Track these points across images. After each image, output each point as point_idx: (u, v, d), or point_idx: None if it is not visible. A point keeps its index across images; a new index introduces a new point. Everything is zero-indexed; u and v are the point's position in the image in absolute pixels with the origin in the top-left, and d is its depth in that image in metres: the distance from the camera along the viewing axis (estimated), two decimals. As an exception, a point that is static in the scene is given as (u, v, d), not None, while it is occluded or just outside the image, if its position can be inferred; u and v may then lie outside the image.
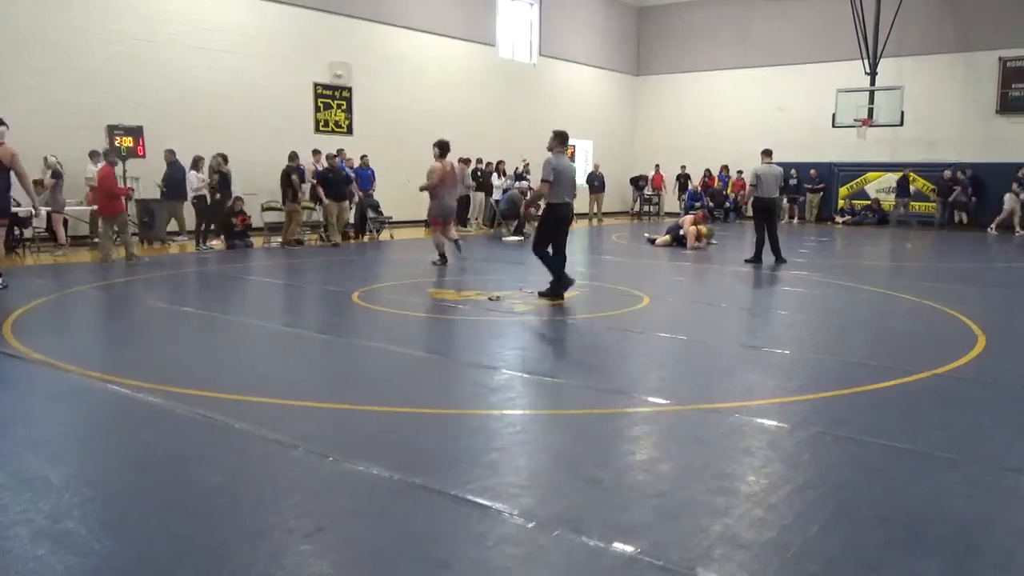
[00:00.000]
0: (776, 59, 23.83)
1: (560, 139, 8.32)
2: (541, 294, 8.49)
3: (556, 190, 8.15)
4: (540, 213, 8.32)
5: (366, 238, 15.78)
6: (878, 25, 20.59)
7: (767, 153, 12.53)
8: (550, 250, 8.40)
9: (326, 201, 14.61)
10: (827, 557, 2.84)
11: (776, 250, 12.26)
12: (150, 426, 4.29)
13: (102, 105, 13.66)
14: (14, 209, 11.82)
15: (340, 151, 16.07)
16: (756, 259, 12.21)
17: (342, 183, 14.77)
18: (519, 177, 19.71)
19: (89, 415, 4.56)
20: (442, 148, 11.26)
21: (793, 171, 22.92)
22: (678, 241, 14.70)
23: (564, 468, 3.69)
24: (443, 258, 11.53)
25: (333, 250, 13.89)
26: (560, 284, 8.40)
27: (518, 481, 3.54)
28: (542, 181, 8.17)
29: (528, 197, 8.12)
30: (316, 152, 15.62)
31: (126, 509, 3.23)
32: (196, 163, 13.62)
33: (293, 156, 14.53)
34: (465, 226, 18.75)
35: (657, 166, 24.95)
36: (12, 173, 8.87)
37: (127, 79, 14.11)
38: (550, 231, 8.39)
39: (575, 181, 8.49)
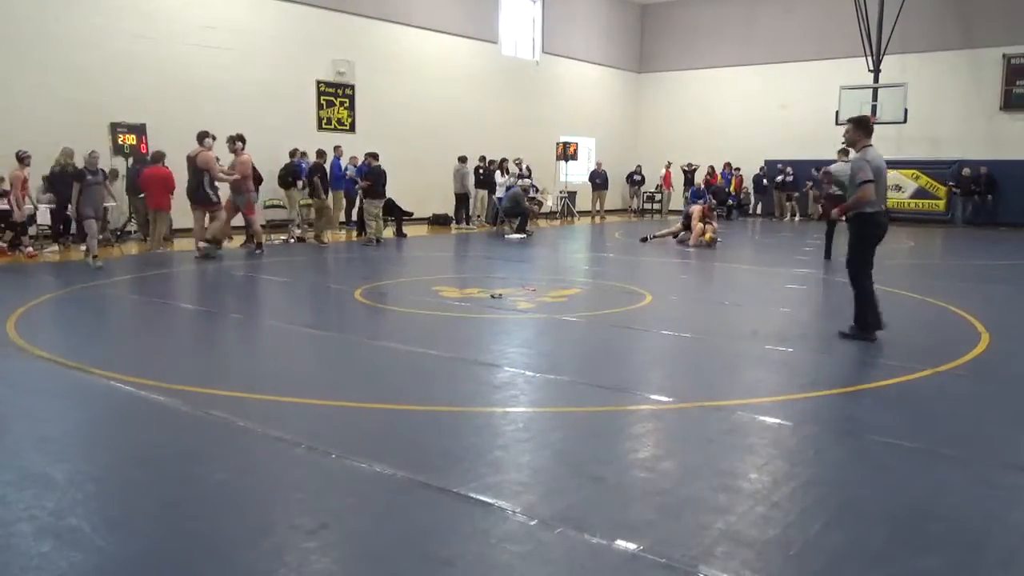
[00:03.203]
0: (779, 56, 23.76)
1: (865, 129, 6.47)
2: (843, 334, 6.66)
3: (877, 192, 6.39)
4: (847, 223, 6.59)
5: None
6: (882, 22, 20.52)
7: (844, 152, 12.52)
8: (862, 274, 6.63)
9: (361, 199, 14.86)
10: (830, 554, 2.84)
11: (828, 249, 12.37)
12: (154, 423, 4.30)
13: (105, 103, 13.66)
14: (12, 208, 11.90)
15: (337, 148, 16.07)
16: (827, 255, 12.33)
17: (380, 180, 14.77)
18: (522, 176, 19.69)
19: (93, 412, 4.56)
20: (244, 141, 12.35)
21: (788, 168, 22.87)
22: (686, 228, 14.68)
23: (567, 466, 3.69)
24: (260, 247, 12.40)
25: (333, 248, 13.89)
26: (867, 325, 6.56)
27: (521, 479, 3.54)
28: (863, 183, 6.26)
29: (848, 203, 6.49)
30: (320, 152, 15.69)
31: (129, 506, 3.24)
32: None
33: (321, 153, 14.70)
34: (468, 223, 18.77)
35: (669, 164, 24.79)
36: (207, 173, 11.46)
37: (129, 77, 14.10)
38: (868, 246, 6.55)
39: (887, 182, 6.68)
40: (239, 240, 13.24)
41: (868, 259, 6.59)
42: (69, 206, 11.02)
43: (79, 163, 11.34)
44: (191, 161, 11.63)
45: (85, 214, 10.57)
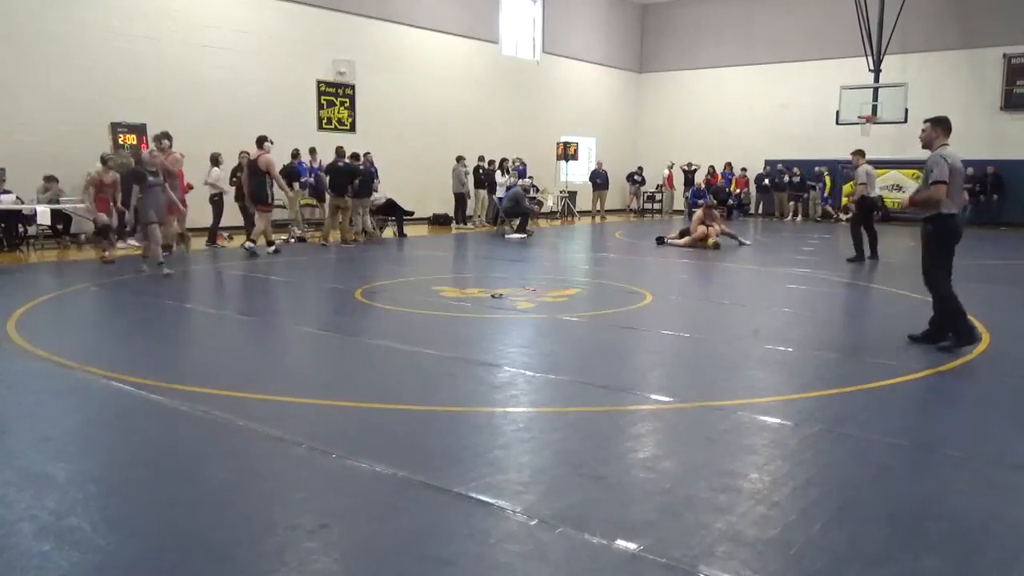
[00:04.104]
0: (780, 56, 23.77)
1: (944, 128, 6.24)
2: (942, 347, 6.08)
3: (952, 195, 6.02)
4: (930, 228, 6.14)
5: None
6: (882, 22, 20.52)
7: (862, 153, 12.58)
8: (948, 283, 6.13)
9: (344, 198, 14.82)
10: (830, 554, 2.84)
11: (874, 247, 12.32)
12: (154, 423, 4.30)
13: (105, 102, 13.67)
14: (19, 207, 11.94)
15: (339, 148, 16.12)
16: (859, 258, 12.13)
17: (369, 180, 14.84)
18: (521, 175, 19.70)
19: (93, 412, 4.56)
20: (170, 139, 11.85)
21: (796, 169, 22.95)
22: (683, 235, 14.64)
23: (567, 465, 3.69)
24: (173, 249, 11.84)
25: (335, 248, 13.90)
26: (961, 333, 6.07)
27: (521, 478, 3.54)
28: (935, 183, 5.96)
29: (917, 196, 6.21)
30: (313, 150, 15.73)
31: (130, 506, 3.24)
32: (215, 159, 13.65)
33: (340, 151, 14.72)
34: (466, 223, 18.78)
35: (671, 164, 24.77)
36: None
37: (130, 76, 14.12)
38: (946, 250, 6.13)
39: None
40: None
41: (947, 263, 6.16)
42: (127, 209, 10.72)
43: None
44: (252, 163, 12.35)
45: (148, 218, 9.81)
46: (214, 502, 3.27)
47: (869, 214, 12.46)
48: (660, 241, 14.94)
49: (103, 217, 11.19)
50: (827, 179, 22.68)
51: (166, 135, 11.90)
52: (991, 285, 10.49)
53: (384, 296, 8.74)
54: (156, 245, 9.87)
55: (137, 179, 9.91)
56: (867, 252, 12.28)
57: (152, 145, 12.21)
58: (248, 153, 13.51)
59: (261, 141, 12.51)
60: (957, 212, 6.10)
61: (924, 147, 6.32)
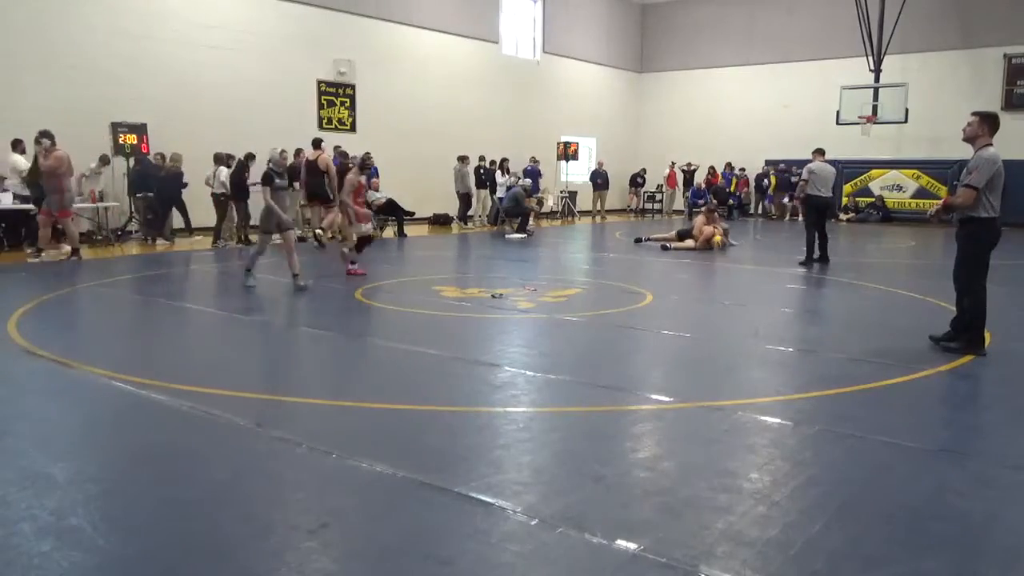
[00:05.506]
0: (780, 56, 23.77)
1: (992, 125, 5.97)
2: (948, 348, 6.12)
3: (993, 197, 5.86)
4: (966, 231, 6.07)
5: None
6: (882, 22, 20.53)
7: (820, 152, 12.14)
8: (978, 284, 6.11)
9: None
10: (830, 554, 2.84)
11: (823, 249, 11.84)
12: (155, 423, 4.30)
13: (105, 102, 13.66)
14: (20, 206, 11.94)
15: (337, 148, 16.14)
16: (808, 262, 11.64)
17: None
18: (524, 175, 19.69)
19: (93, 412, 4.56)
20: (52, 138, 11.01)
21: (794, 168, 22.94)
22: (683, 238, 14.52)
23: (567, 465, 3.70)
24: (76, 253, 11.19)
25: (331, 248, 13.89)
26: (979, 340, 6.05)
27: (521, 478, 3.54)
28: (965, 186, 5.83)
29: (951, 201, 6.10)
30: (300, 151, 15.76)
31: (130, 505, 3.24)
32: (220, 159, 13.63)
33: (343, 153, 14.71)
34: (466, 223, 18.78)
35: (673, 164, 24.77)
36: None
37: (130, 76, 14.11)
38: (982, 252, 6.05)
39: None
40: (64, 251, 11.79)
41: (981, 265, 6.05)
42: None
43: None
44: (311, 164, 13.50)
45: (281, 223, 8.88)
46: (214, 502, 3.27)
47: (816, 213, 11.89)
48: (640, 241, 14.77)
49: (368, 227, 9.89)
50: (771, 178, 22.86)
51: (46, 134, 10.98)
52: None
53: (384, 296, 8.74)
54: (291, 254, 8.94)
55: (266, 182, 8.78)
56: (816, 253, 11.77)
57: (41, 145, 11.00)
58: (254, 155, 13.59)
59: (318, 142, 13.56)
60: (997, 216, 5.93)
61: (965, 140, 6.10)
